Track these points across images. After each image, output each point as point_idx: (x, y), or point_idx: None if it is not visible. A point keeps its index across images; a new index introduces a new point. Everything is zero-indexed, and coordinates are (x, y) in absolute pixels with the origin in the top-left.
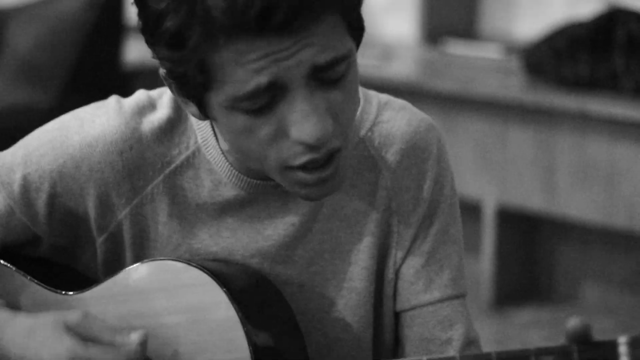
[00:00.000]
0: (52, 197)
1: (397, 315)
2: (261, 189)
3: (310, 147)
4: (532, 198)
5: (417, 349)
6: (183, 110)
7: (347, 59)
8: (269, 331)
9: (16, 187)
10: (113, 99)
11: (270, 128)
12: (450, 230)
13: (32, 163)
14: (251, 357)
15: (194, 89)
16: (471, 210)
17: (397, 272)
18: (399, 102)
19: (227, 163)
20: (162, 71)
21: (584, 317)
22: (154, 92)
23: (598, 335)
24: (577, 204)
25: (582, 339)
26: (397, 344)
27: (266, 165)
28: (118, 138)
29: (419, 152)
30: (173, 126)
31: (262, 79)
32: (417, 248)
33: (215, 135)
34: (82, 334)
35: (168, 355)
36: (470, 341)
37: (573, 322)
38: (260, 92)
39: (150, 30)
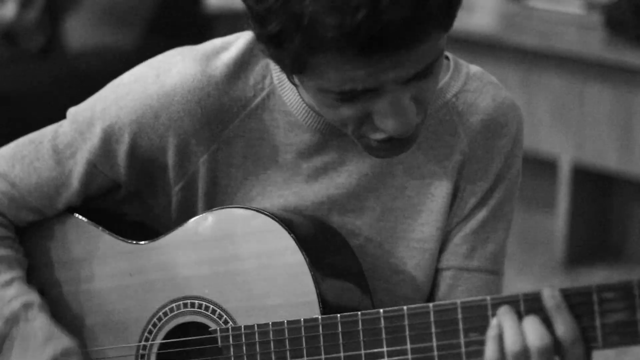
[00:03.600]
0: (132, 148)
1: None
2: (336, 131)
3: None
4: (608, 156)
5: None
6: (257, 50)
7: (441, 56)
8: (335, 278)
9: (97, 140)
10: (187, 47)
11: (356, 111)
12: (505, 208)
13: (112, 116)
14: (318, 301)
15: (286, 69)
16: (546, 167)
17: (446, 234)
18: (488, 76)
19: (303, 104)
20: (259, 45)
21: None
22: (231, 36)
23: None
24: None
25: None
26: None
27: (343, 129)
28: (196, 86)
29: (498, 127)
30: (246, 65)
31: (358, 86)
32: (472, 216)
33: None
34: None
35: (239, 299)
36: None
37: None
38: (353, 94)
39: (254, 24)
